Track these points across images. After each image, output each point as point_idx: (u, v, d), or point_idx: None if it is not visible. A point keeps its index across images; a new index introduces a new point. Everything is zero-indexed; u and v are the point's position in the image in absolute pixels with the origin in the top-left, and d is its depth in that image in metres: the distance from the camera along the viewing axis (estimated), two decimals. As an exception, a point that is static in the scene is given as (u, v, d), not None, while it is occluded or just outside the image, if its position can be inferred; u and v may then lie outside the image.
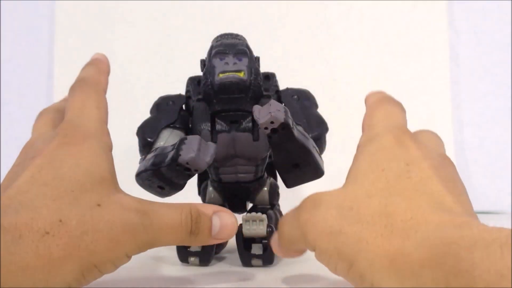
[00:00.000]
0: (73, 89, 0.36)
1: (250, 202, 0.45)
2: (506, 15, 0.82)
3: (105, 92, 0.37)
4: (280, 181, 0.42)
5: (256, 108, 0.35)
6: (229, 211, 0.33)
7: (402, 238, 0.23)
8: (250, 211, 0.42)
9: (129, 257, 0.29)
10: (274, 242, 0.33)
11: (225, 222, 0.32)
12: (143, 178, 0.36)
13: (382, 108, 0.33)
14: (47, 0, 0.84)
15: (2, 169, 0.76)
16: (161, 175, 0.35)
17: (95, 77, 0.37)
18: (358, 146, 0.30)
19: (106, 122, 0.34)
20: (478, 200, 0.79)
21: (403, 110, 0.34)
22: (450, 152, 0.78)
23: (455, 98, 0.82)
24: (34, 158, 0.29)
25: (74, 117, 0.33)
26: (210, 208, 0.32)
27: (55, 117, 0.37)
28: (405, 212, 0.24)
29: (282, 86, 0.44)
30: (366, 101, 0.36)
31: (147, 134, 0.41)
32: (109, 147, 0.33)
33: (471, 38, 0.84)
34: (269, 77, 0.43)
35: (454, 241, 0.20)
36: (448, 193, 0.25)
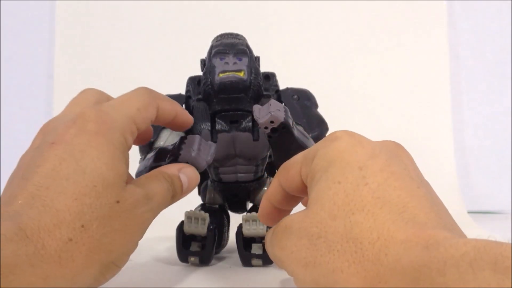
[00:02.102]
0: (139, 88, 0.34)
1: (250, 202, 0.45)
2: (506, 15, 0.82)
3: (156, 113, 0.33)
4: (280, 181, 0.42)
5: (256, 108, 0.35)
6: (188, 164, 0.34)
7: (375, 264, 0.22)
8: (250, 211, 0.42)
9: (138, 243, 0.30)
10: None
11: (190, 176, 0.33)
12: (143, 177, 0.36)
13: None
14: (47, 0, 0.84)
15: (2, 169, 0.76)
16: (161, 174, 0.35)
17: (167, 101, 0.35)
18: (310, 173, 0.29)
19: (137, 125, 0.32)
20: (478, 200, 0.79)
21: None
22: (450, 152, 0.79)
23: (455, 98, 0.82)
24: (54, 144, 0.28)
25: (108, 105, 0.31)
26: (174, 168, 0.33)
27: (101, 97, 0.34)
28: (371, 233, 0.23)
29: (282, 86, 0.44)
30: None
31: (147, 134, 0.41)
32: (128, 146, 0.31)
33: (471, 38, 0.84)
34: (269, 77, 0.43)
35: (425, 263, 0.20)
36: (407, 195, 0.25)
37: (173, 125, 0.36)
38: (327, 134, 0.31)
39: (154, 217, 0.31)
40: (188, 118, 0.36)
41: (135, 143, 0.36)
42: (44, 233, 0.25)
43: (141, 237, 0.30)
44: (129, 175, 0.32)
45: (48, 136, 0.29)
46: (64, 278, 0.25)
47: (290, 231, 0.27)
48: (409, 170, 0.27)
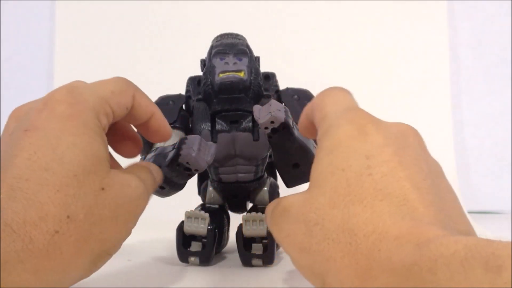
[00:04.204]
0: (116, 76, 0.33)
1: (250, 202, 0.45)
2: (506, 15, 0.82)
3: (131, 101, 0.32)
4: (280, 181, 0.42)
5: (256, 108, 0.35)
6: (149, 162, 0.35)
7: (368, 259, 0.22)
8: (250, 211, 0.42)
9: (131, 230, 0.30)
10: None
11: (156, 172, 0.34)
12: (143, 178, 0.36)
13: (328, 96, 0.31)
14: (47, 0, 0.84)
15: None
16: (161, 175, 0.35)
17: (145, 97, 0.33)
18: (318, 141, 0.29)
19: (111, 107, 0.30)
20: (478, 200, 0.79)
21: (349, 93, 0.32)
22: (450, 152, 0.79)
23: (455, 98, 0.82)
24: (28, 132, 0.27)
25: (80, 85, 0.30)
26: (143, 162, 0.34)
27: None
28: (366, 225, 0.23)
29: (282, 86, 0.44)
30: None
31: (147, 134, 0.41)
32: (104, 127, 0.30)
33: (471, 38, 0.84)
34: (269, 77, 0.43)
35: (415, 262, 0.20)
36: (411, 186, 0.24)
37: (149, 129, 0.34)
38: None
39: (147, 203, 0.31)
40: (166, 127, 0.34)
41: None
42: (30, 227, 0.24)
43: (135, 223, 0.30)
44: (114, 160, 0.32)
45: (22, 123, 0.28)
46: (55, 271, 0.25)
47: (288, 214, 0.27)
48: (419, 160, 0.26)
